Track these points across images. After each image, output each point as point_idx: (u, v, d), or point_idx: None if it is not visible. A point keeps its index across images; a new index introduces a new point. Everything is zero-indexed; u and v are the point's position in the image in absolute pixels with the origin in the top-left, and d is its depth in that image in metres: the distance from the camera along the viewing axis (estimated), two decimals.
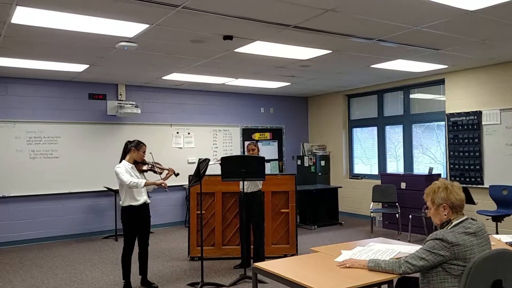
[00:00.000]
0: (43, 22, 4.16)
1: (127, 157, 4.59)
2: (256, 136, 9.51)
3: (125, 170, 4.45)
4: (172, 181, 4.92)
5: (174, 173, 4.79)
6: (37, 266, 5.69)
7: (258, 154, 5.53)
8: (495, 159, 6.75)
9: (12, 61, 5.81)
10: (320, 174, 9.54)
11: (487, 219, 6.27)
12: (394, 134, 8.72)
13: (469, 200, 5.89)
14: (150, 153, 4.73)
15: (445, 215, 2.52)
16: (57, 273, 5.38)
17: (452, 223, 2.49)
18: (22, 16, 3.96)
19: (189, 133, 8.61)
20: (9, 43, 4.94)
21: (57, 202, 7.31)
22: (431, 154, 8.04)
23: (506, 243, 3.38)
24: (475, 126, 6.96)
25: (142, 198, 4.56)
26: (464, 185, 6.69)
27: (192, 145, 8.63)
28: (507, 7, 3.97)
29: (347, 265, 2.73)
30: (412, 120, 8.28)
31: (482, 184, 6.86)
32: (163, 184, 4.57)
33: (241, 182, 5.29)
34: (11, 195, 6.91)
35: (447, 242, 2.36)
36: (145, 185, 4.46)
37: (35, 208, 7.13)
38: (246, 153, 5.70)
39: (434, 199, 2.55)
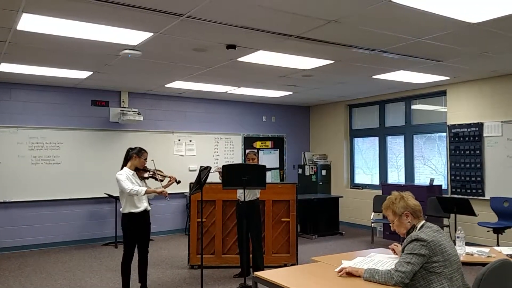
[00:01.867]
0: (48, 29, 4.21)
1: (129, 164, 4.59)
2: (258, 144, 9.53)
3: (126, 177, 4.44)
4: (172, 189, 4.90)
5: (176, 180, 4.76)
6: (37, 272, 5.68)
7: (257, 163, 5.53)
8: (496, 171, 6.74)
9: (17, 67, 5.85)
10: (321, 183, 9.53)
11: (488, 231, 6.26)
12: (396, 145, 8.73)
13: (470, 212, 5.89)
14: (152, 160, 4.74)
15: (409, 222, 2.70)
16: (56, 279, 5.37)
17: (416, 227, 2.67)
18: (28, 23, 4.00)
19: (190, 141, 8.63)
20: (14, 50, 4.99)
21: (58, 208, 7.31)
22: (432, 165, 8.04)
23: (507, 255, 3.38)
24: (477, 138, 6.97)
25: (143, 205, 4.54)
26: (465, 197, 6.69)
27: (194, 152, 8.64)
28: (508, 20, 4.00)
29: (347, 269, 2.75)
30: (413, 131, 8.29)
31: (483, 195, 6.85)
32: (163, 193, 4.53)
33: (238, 191, 5.30)
34: (13, 200, 6.91)
35: (423, 240, 2.49)
36: (145, 193, 4.46)
37: (36, 213, 7.13)
38: (246, 162, 5.71)
39: (395, 210, 2.72)
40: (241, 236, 5.35)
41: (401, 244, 3.25)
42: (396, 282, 2.50)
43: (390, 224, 2.84)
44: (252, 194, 5.28)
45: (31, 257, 6.55)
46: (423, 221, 2.67)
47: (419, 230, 2.62)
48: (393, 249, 3.26)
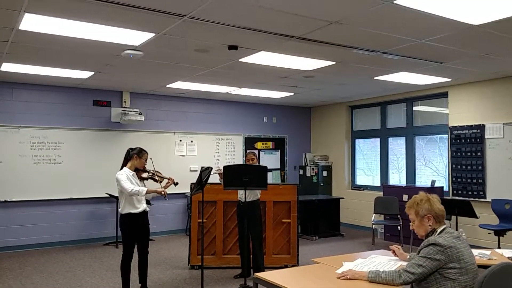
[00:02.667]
0: (50, 29, 4.21)
1: (129, 164, 4.59)
2: (259, 145, 9.53)
3: (126, 177, 4.44)
4: (173, 189, 4.91)
5: (174, 182, 4.77)
6: (37, 272, 5.69)
7: (257, 164, 5.53)
8: (497, 173, 6.73)
9: (18, 66, 5.86)
10: (322, 184, 9.53)
11: (489, 233, 6.25)
12: (397, 146, 8.72)
13: (471, 214, 5.88)
14: (150, 158, 4.74)
15: (430, 225, 2.66)
16: (56, 279, 5.37)
17: (436, 231, 2.63)
18: (30, 23, 4.00)
19: (192, 141, 8.63)
20: (16, 49, 4.99)
21: (59, 207, 7.32)
22: (434, 167, 8.03)
23: (508, 257, 3.37)
24: (478, 140, 6.96)
25: (142, 206, 4.54)
26: (467, 199, 6.68)
27: (195, 153, 8.64)
28: (510, 22, 4.00)
29: (348, 276, 2.73)
30: (415, 133, 8.29)
31: (485, 198, 6.84)
32: (163, 192, 4.55)
33: (239, 191, 5.30)
34: (14, 199, 6.92)
35: (440, 246, 2.46)
36: (146, 193, 4.47)
37: (36, 213, 7.14)
38: (246, 163, 5.71)
39: (418, 210, 2.69)
40: (241, 237, 5.34)
41: (402, 246, 3.25)
42: (403, 280, 2.49)
43: (410, 223, 2.80)
44: (253, 195, 5.28)
45: (31, 256, 6.56)
46: (444, 226, 2.64)
47: (438, 234, 2.59)
48: (393, 251, 3.25)
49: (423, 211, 2.66)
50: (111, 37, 4.48)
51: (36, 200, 7.10)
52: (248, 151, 6.10)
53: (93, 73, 6.28)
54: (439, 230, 2.61)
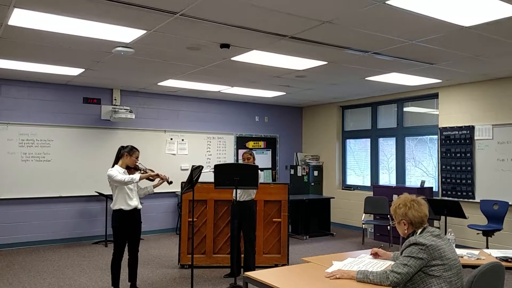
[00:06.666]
0: (40, 25, 4.16)
1: (120, 162, 4.57)
2: (250, 144, 9.52)
3: (118, 173, 4.43)
4: (164, 188, 4.89)
5: (167, 180, 4.74)
6: (25, 270, 5.62)
7: (253, 163, 5.52)
8: (486, 174, 6.80)
9: (7, 63, 5.78)
10: (313, 184, 9.55)
11: (477, 234, 6.31)
12: (387, 146, 8.77)
13: (460, 214, 5.93)
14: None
15: (406, 230, 2.70)
16: (45, 277, 5.32)
17: (416, 232, 2.66)
18: (19, 18, 3.95)
19: (183, 140, 8.59)
20: (5, 45, 4.93)
21: (47, 205, 7.24)
22: (423, 167, 8.09)
23: (496, 257, 3.40)
24: (468, 141, 7.02)
25: (134, 203, 4.52)
26: (456, 199, 6.74)
27: (186, 152, 8.61)
28: (501, 24, 4.04)
29: (337, 276, 2.73)
30: (405, 133, 8.34)
31: (473, 198, 6.90)
32: (160, 174, 4.61)
33: (234, 190, 5.28)
34: (1, 197, 6.83)
35: (422, 245, 2.51)
36: (140, 179, 4.47)
37: (25, 211, 7.06)
38: (241, 162, 5.70)
39: (395, 215, 2.75)
40: (232, 236, 5.33)
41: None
42: (391, 282, 2.51)
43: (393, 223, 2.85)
44: (246, 195, 5.26)
45: (19, 255, 6.48)
46: (425, 225, 2.67)
47: (419, 234, 2.62)
48: (375, 254, 3.22)
49: (398, 216, 2.71)
50: (102, 34, 4.44)
51: (24, 198, 7.02)
52: (244, 150, 6.07)
53: (83, 70, 6.22)
54: (419, 230, 2.65)
